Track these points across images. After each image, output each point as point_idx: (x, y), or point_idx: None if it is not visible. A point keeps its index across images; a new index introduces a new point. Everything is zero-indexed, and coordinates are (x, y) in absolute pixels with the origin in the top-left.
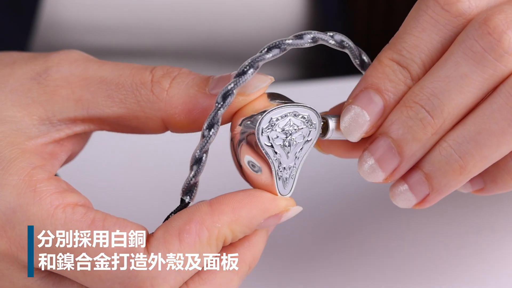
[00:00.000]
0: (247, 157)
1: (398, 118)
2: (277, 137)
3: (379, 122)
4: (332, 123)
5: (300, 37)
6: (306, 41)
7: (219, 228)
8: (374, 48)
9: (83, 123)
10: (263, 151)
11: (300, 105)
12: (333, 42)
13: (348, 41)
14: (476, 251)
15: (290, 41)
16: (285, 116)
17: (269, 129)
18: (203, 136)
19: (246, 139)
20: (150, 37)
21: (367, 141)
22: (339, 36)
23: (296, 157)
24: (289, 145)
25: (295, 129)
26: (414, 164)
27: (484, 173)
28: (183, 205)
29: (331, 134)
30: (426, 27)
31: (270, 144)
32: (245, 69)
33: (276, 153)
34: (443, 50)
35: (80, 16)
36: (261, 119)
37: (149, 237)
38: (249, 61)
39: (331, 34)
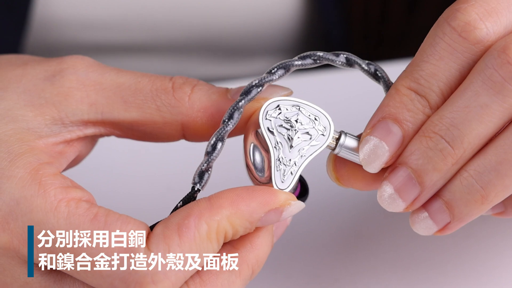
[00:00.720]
0: (252, 149)
1: (417, 148)
2: (281, 125)
3: (399, 152)
4: (344, 137)
5: (336, 54)
6: (340, 59)
7: (218, 221)
8: (371, 37)
9: (94, 126)
10: (263, 134)
11: (314, 107)
12: (366, 68)
13: (382, 72)
14: (480, 253)
15: (322, 54)
16: (294, 108)
17: (274, 114)
18: (222, 122)
19: (255, 132)
20: (145, 32)
21: (386, 171)
22: (374, 66)
23: (300, 155)
24: (292, 139)
25: (301, 124)
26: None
27: None
28: (192, 192)
29: (340, 150)
30: (443, 55)
31: (271, 131)
32: (273, 70)
33: (278, 142)
34: (461, 77)
35: (73, 12)
36: (269, 102)
37: (149, 233)
38: (278, 64)
39: (367, 62)
